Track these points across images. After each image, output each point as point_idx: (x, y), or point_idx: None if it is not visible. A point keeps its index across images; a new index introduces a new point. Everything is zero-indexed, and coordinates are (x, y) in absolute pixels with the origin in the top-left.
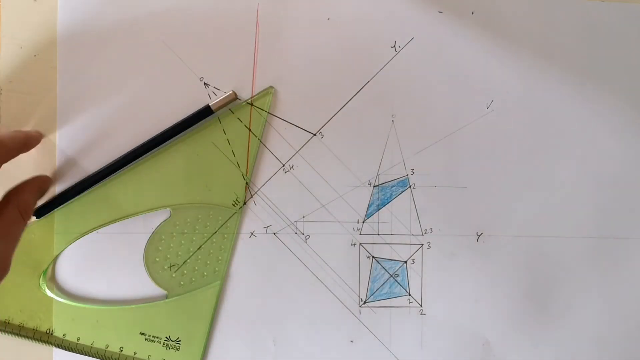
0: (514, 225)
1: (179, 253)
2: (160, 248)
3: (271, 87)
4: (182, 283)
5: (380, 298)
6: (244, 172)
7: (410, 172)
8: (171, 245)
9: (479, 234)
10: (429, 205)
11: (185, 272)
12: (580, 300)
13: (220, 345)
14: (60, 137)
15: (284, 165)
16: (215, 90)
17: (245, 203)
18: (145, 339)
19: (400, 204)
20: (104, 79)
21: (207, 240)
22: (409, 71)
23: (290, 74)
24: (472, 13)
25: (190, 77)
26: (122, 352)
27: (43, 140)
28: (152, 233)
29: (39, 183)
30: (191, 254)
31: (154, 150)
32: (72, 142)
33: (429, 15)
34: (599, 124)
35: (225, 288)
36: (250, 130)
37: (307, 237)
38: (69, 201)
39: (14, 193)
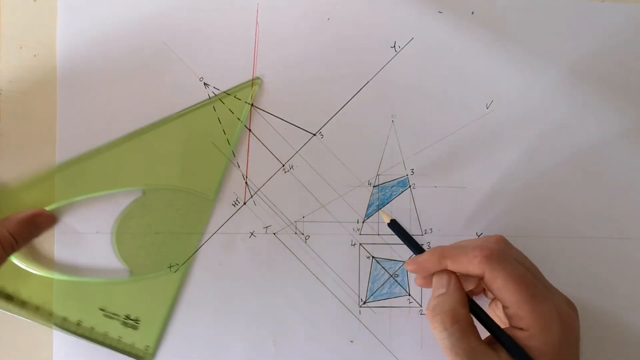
0: (513, 225)
1: (148, 233)
2: (130, 226)
3: (258, 78)
4: (146, 264)
5: (380, 298)
6: (227, 162)
7: (410, 172)
8: (141, 224)
9: (478, 234)
10: (429, 205)
11: (151, 252)
12: (579, 300)
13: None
14: (60, 137)
15: (283, 165)
16: (215, 90)
17: (245, 203)
18: (104, 315)
19: (400, 204)
20: (104, 79)
21: (177, 225)
22: (409, 71)
23: (290, 74)
24: (472, 13)
25: (190, 77)
26: (80, 325)
27: (43, 140)
28: (124, 210)
29: (33, 217)
30: (160, 236)
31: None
32: (72, 142)
33: (429, 16)
34: (599, 124)
35: (225, 288)
36: (250, 130)
37: (307, 237)
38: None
39: (0, 223)
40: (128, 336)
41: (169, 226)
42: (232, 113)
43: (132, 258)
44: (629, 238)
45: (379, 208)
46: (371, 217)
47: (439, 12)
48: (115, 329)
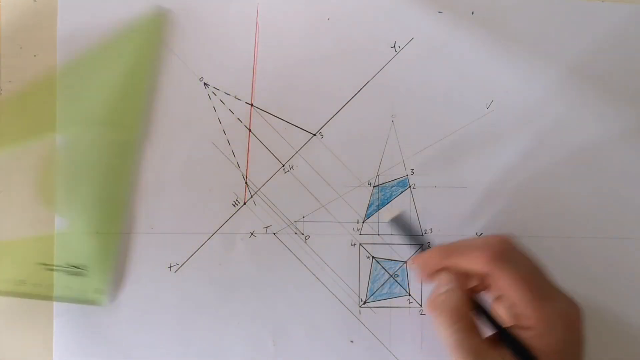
0: (513, 225)
1: (79, 180)
2: (60, 175)
3: (161, 9)
4: (77, 211)
5: (380, 298)
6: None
7: (410, 172)
8: (71, 173)
9: (479, 234)
10: (429, 205)
11: (80, 199)
12: (579, 301)
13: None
14: (60, 137)
15: (284, 165)
16: (215, 90)
17: (245, 203)
18: (47, 269)
19: (400, 204)
20: (104, 79)
21: (102, 171)
22: (409, 71)
23: (290, 74)
24: (472, 13)
25: (190, 77)
26: (25, 284)
27: (43, 140)
28: (44, 160)
29: None
30: (93, 182)
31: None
32: (72, 143)
33: (429, 16)
34: (599, 124)
35: (225, 288)
36: (250, 130)
37: (307, 237)
38: None
39: None
40: (76, 284)
41: (94, 172)
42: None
43: (66, 208)
44: (629, 238)
45: (379, 208)
46: (371, 217)
47: (439, 12)
48: (61, 280)
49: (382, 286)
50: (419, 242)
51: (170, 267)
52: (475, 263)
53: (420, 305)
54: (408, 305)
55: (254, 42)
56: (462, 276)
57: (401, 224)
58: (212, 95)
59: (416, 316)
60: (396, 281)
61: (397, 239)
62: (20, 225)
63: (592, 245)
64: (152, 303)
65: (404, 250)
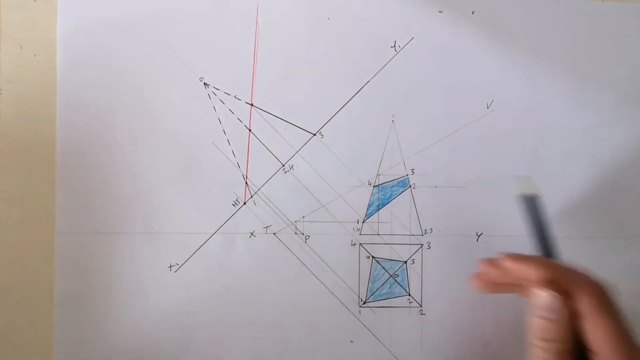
0: (514, 225)
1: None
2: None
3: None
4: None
5: (380, 298)
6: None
7: (410, 172)
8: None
9: (479, 234)
10: (429, 205)
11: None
12: None
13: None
14: (60, 137)
15: (284, 165)
16: (215, 90)
17: (245, 203)
18: None
19: (400, 204)
20: (104, 78)
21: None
22: (409, 71)
23: (290, 74)
24: (473, 13)
25: (190, 77)
26: None
27: (43, 140)
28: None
29: None
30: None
31: None
32: (72, 142)
33: (429, 15)
34: (600, 124)
35: (225, 288)
36: (250, 130)
37: (307, 237)
38: None
39: None
40: None
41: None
42: None
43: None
44: (629, 238)
45: (379, 208)
46: (371, 217)
47: (440, 11)
48: None
49: (382, 286)
50: (543, 236)
51: (170, 267)
52: (576, 298)
53: (420, 306)
54: (408, 305)
55: (254, 42)
56: (513, 284)
57: (532, 207)
58: (212, 95)
59: (416, 316)
60: (396, 281)
61: (397, 238)
62: (19, 225)
63: (593, 245)
64: (152, 303)
65: (404, 250)
